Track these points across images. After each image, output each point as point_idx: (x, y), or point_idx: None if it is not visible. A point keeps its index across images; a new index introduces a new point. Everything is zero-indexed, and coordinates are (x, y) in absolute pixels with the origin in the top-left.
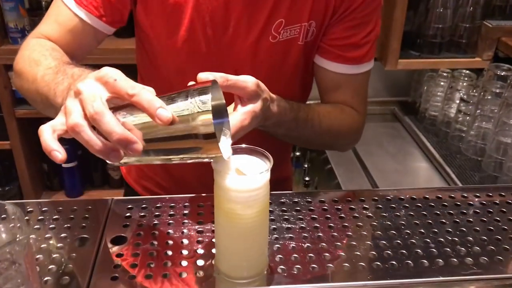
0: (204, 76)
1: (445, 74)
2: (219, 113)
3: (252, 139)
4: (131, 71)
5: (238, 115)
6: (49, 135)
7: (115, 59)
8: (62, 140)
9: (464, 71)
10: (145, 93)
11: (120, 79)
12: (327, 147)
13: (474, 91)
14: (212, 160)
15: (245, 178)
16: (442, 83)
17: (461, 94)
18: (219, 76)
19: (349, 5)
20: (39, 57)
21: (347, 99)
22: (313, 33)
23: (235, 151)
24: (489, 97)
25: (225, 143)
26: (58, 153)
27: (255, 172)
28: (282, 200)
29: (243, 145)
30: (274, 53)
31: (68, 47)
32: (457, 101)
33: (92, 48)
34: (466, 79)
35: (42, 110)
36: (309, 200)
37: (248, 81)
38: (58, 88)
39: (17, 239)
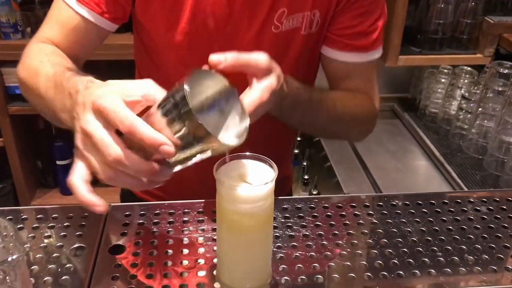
0: (215, 58)
1: (446, 70)
2: (221, 98)
3: (254, 139)
4: (127, 67)
5: (256, 92)
6: (83, 190)
7: (111, 54)
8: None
9: (465, 67)
10: (142, 128)
11: (117, 111)
12: (343, 134)
13: (476, 88)
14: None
15: (250, 188)
16: (442, 80)
17: (462, 91)
18: (230, 56)
19: None
20: (37, 65)
21: (358, 88)
22: (317, 24)
23: (238, 159)
24: (491, 95)
25: (236, 127)
26: (99, 206)
27: (261, 182)
28: (285, 206)
29: (247, 153)
30: (277, 44)
31: (70, 49)
32: (458, 99)
33: (95, 47)
34: (467, 76)
35: (51, 120)
36: (313, 206)
37: (260, 58)
38: (59, 106)
39: (10, 259)
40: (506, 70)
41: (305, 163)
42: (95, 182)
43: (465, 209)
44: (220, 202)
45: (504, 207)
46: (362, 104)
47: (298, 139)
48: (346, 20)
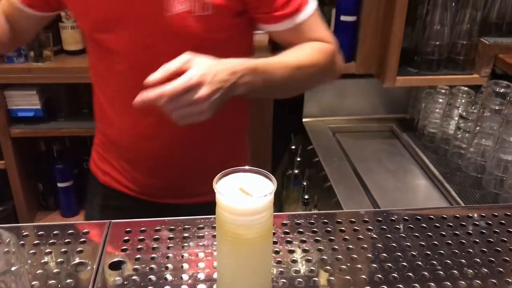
0: (150, 80)
1: (443, 91)
2: None
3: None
4: None
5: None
6: None
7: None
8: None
9: (462, 87)
10: None
11: None
12: (311, 76)
13: (473, 108)
14: None
15: (249, 200)
16: (440, 100)
17: (460, 111)
18: (159, 74)
19: None
20: None
21: (312, 40)
22: (214, 7)
23: (238, 172)
24: (488, 114)
25: None
26: None
27: (260, 194)
28: (285, 222)
29: (246, 167)
30: (175, 27)
31: (13, 23)
32: (456, 118)
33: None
34: (464, 96)
35: None
36: (312, 221)
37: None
38: None
39: (12, 269)
40: (502, 89)
41: (305, 183)
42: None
43: (464, 223)
44: (220, 215)
45: (503, 222)
46: (310, 44)
47: (298, 159)
48: None
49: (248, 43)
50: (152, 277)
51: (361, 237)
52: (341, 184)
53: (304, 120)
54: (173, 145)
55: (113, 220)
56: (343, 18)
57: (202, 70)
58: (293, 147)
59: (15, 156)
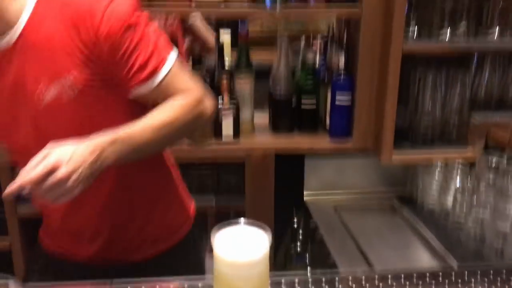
0: (7, 191)
1: (439, 165)
2: None
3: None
4: None
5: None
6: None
7: None
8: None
9: (458, 161)
10: None
11: None
12: (175, 131)
13: (469, 180)
14: None
15: (246, 254)
16: (437, 175)
17: (457, 185)
18: (16, 186)
19: (99, 51)
20: None
21: (176, 93)
22: (83, 82)
23: (234, 225)
24: (483, 186)
25: None
26: None
27: (256, 247)
28: (283, 285)
29: (242, 219)
30: (53, 113)
31: None
32: (453, 191)
33: None
34: (459, 169)
35: None
36: (309, 285)
37: (46, 164)
38: None
39: None
40: (495, 162)
41: (307, 258)
42: None
43: (458, 283)
44: (217, 268)
45: (498, 282)
46: (170, 101)
47: (300, 235)
48: (120, 67)
49: (134, 102)
50: None
51: None
52: (344, 259)
53: (305, 195)
54: (101, 213)
55: (114, 280)
56: (338, 97)
57: (57, 155)
58: (295, 221)
59: (20, 234)
